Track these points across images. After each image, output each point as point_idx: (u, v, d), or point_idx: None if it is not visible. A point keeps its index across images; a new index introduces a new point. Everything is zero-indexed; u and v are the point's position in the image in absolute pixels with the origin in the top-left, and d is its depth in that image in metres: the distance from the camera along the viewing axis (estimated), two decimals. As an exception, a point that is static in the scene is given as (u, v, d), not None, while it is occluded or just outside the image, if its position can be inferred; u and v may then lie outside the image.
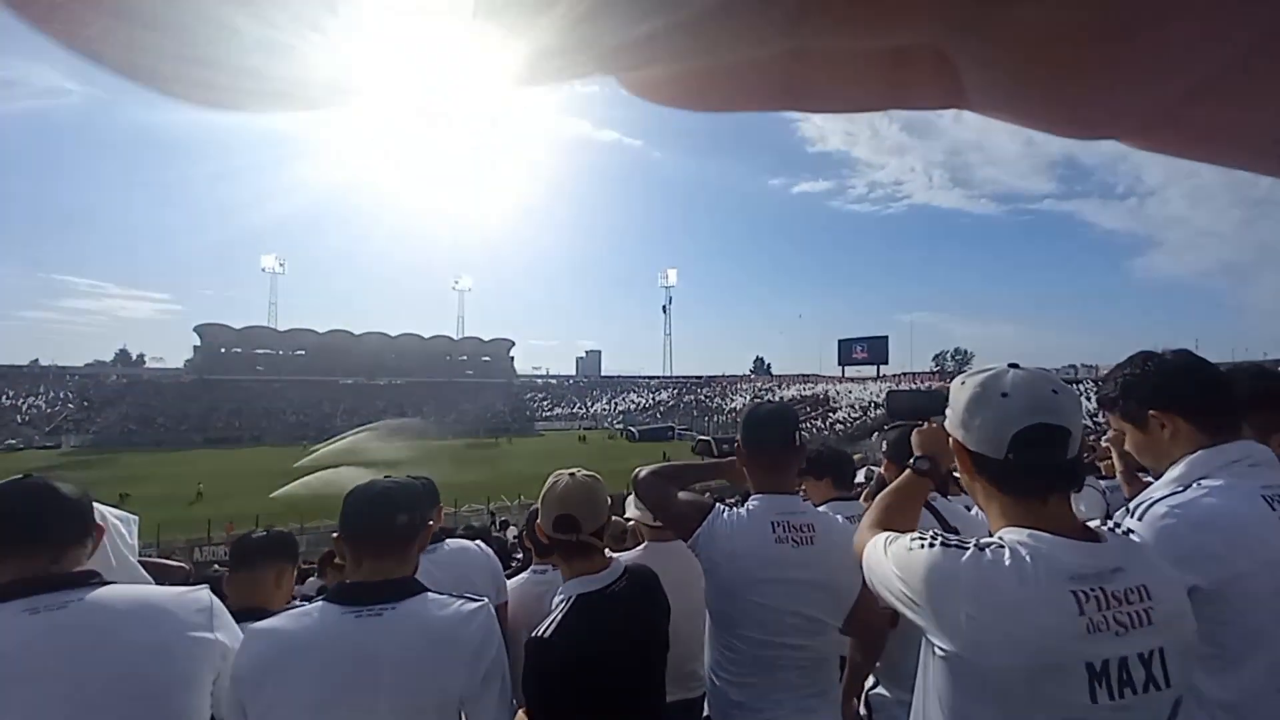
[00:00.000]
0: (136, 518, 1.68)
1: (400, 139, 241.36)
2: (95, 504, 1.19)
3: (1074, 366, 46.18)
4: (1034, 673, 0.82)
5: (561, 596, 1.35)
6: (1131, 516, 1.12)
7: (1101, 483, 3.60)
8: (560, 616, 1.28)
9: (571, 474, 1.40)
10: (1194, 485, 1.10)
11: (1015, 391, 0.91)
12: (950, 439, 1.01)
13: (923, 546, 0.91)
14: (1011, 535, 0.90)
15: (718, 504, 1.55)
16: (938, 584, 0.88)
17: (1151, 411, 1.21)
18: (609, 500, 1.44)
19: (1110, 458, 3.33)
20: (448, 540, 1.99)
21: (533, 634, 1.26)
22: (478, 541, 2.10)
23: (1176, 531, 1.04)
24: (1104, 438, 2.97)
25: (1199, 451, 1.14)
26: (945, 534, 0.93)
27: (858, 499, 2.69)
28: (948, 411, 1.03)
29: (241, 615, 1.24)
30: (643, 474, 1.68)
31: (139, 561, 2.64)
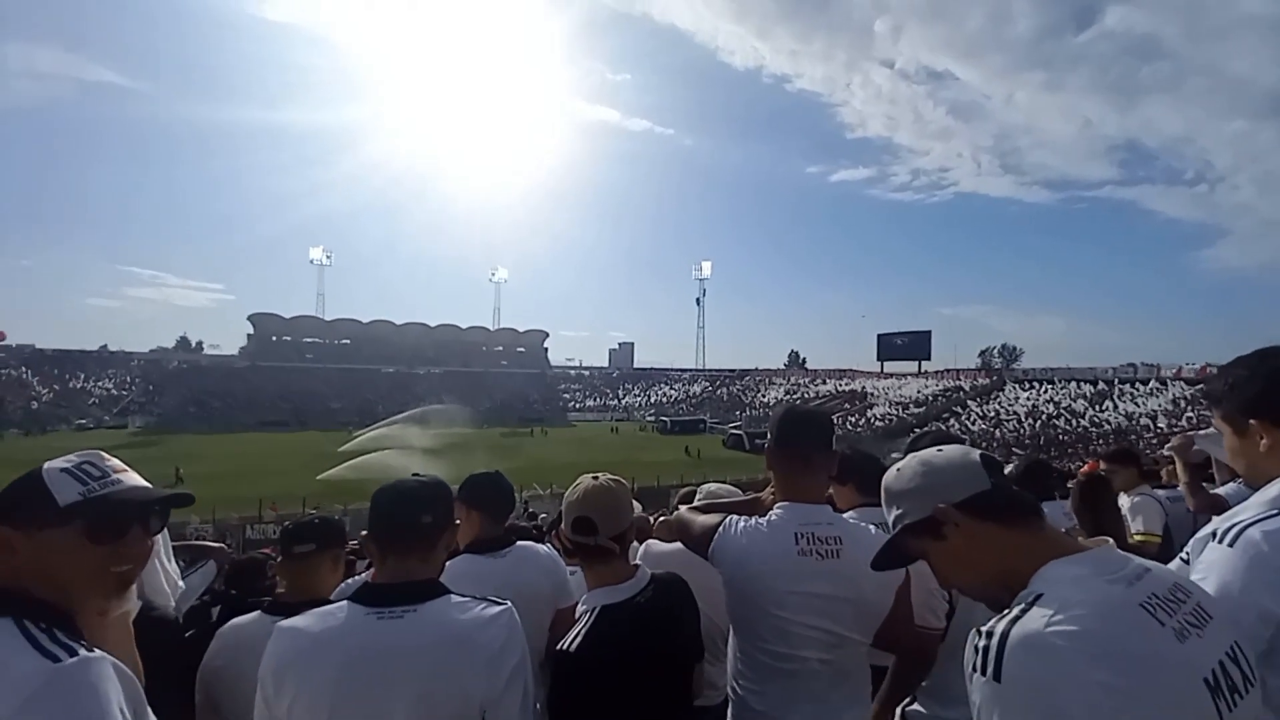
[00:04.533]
0: None
1: (440, 134, 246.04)
2: None
3: (1134, 365, 43.54)
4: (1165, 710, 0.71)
5: (585, 607, 1.33)
6: (1220, 541, 1.02)
7: (1160, 492, 3.37)
8: (585, 629, 1.27)
9: (595, 477, 1.39)
10: None
11: (944, 449, 0.98)
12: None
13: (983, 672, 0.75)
14: (1050, 574, 0.80)
15: (731, 515, 1.51)
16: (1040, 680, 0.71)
17: (1253, 420, 1.09)
18: (632, 507, 1.41)
19: (1172, 464, 3.12)
20: (518, 543, 1.89)
21: (558, 646, 1.26)
22: (548, 545, 2.05)
23: (1272, 559, 0.95)
24: (1167, 446, 2.78)
25: None
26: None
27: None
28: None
29: (301, 606, 1.27)
30: (675, 512, 1.75)
31: (179, 545, 2.78)
